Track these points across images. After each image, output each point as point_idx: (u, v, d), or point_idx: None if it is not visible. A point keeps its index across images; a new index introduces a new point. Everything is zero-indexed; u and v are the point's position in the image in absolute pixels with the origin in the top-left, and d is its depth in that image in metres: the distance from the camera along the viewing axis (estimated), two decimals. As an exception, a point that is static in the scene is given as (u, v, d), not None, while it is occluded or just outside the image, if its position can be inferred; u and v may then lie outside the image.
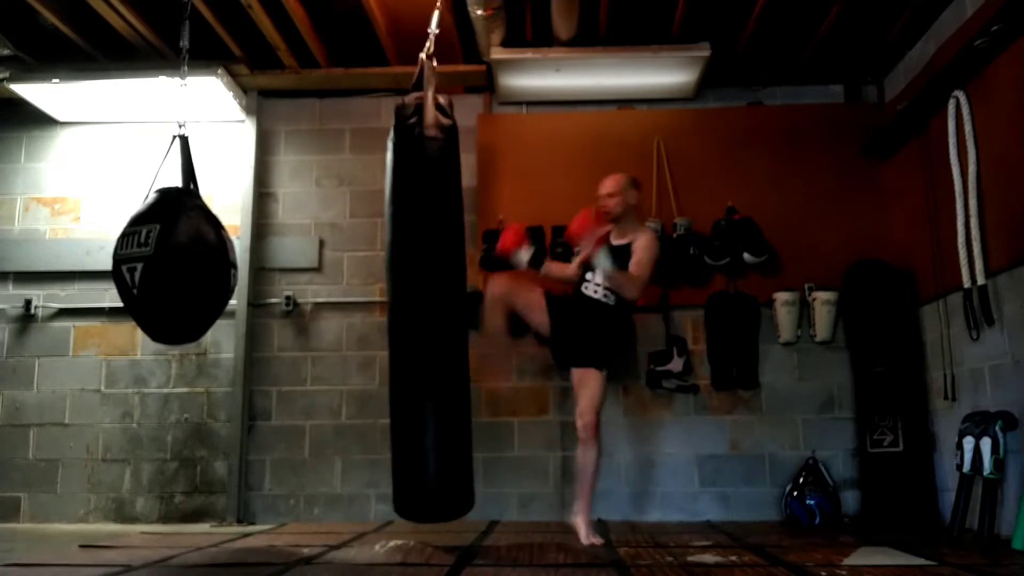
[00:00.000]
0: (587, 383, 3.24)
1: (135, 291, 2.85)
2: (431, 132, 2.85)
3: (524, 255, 3.33)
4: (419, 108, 2.87)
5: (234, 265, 3.10)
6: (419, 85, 2.96)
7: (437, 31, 3.09)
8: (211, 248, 2.98)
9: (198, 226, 2.97)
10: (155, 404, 4.28)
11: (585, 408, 3.20)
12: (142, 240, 2.85)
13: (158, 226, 2.86)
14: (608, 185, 3.44)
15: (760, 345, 4.15)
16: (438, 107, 2.90)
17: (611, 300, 3.31)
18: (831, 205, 4.24)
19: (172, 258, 2.87)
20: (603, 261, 3.18)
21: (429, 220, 2.86)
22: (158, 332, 3.09)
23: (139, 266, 2.84)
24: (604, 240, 3.31)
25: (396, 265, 2.91)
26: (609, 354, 3.32)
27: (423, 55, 2.98)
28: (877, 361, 3.91)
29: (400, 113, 2.92)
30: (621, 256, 3.28)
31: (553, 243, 4.22)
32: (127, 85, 4.14)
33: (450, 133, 2.92)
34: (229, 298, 3.15)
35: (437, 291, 2.82)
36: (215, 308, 3.09)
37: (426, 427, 2.79)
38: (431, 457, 2.76)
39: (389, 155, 2.97)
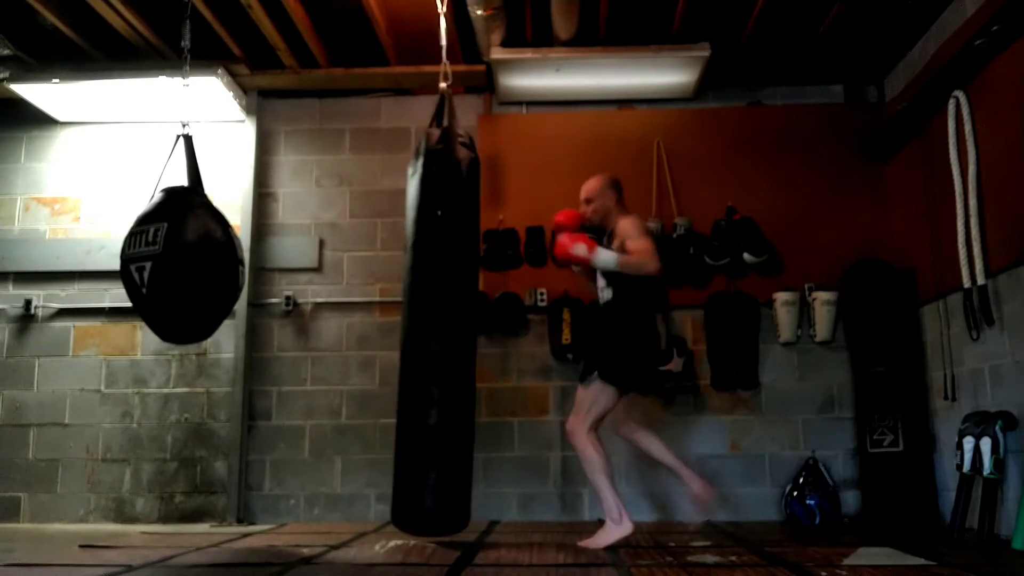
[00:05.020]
0: (581, 390, 3.06)
1: (144, 290, 2.83)
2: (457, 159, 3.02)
3: None
4: (445, 136, 3.05)
5: (242, 262, 3.10)
6: (439, 118, 3.13)
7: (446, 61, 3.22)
8: (219, 245, 2.97)
9: (206, 224, 2.96)
10: (155, 404, 4.28)
11: (571, 414, 3.05)
12: (150, 239, 2.83)
13: (166, 224, 2.85)
14: (585, 191, 3.28)
15: (760, 345, 4.15)
16: (460, 140, 3.07)
17: (608, 296, 3.12)
18: (831, 205, 4.24)
19: (181, 256, 2.86)
20: (603, 257, 3.02)
21: (450, 245, 3.03)
22: (168, 331, 3.06)
23: (148, 265, 2.82)
24: (595, 244, 3.09)
25: (415, 281, 2.99)
26: (611, 362, 3.02)
27: (443, 84, 3.11)
28: (877, 361, 3.90)
29: (427, 141, 3.06)
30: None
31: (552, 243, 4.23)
32: (127, 85, 4.14)
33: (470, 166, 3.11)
34: (238, 296, 3.13)
35: (455, 312, 2.95)
36: (225, 306, 3.08)
37: (428, 441, 2.89)
38: (430, 472, 2.86)
39: (413, 183, 3.06)
